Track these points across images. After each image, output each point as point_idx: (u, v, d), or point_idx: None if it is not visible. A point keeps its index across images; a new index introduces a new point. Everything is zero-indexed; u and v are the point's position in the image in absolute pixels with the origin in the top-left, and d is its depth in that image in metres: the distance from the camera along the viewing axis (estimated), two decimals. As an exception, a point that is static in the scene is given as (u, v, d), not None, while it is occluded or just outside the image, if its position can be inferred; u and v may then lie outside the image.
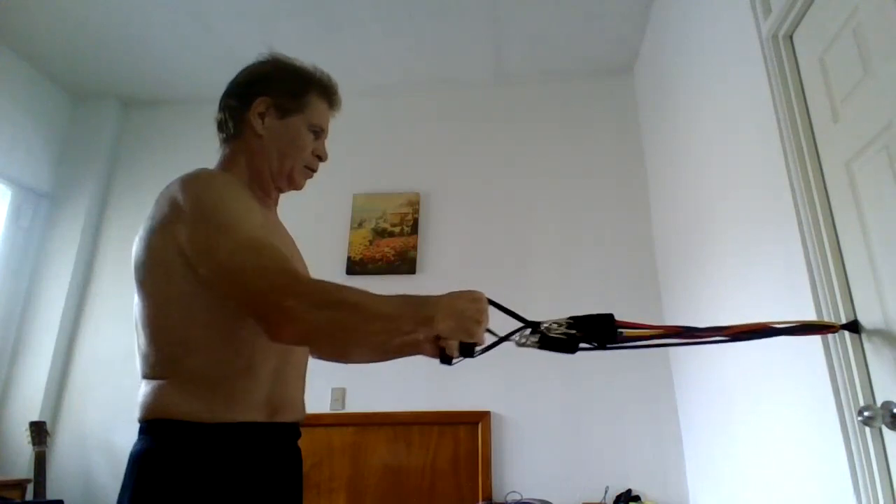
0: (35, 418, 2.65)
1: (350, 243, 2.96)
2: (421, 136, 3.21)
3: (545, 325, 1.00)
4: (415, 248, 2.92)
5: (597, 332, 0.99)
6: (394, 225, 2.98)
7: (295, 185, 1.15)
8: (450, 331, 0.89)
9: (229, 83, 1.15)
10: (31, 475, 2.48)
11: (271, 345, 0.97)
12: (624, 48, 3.01)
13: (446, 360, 1.09)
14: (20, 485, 2.53)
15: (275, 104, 1.09)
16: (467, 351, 0.94)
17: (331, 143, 1.21)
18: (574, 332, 0.98)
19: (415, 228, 2.97)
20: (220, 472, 0.88)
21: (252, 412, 0.93)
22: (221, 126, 1.12)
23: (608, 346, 1.01)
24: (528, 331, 1.02)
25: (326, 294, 0.87)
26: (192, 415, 0.88)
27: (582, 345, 1.01)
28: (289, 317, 0.84)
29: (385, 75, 3.21)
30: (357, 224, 3.01)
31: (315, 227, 2.96)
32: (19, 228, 3.02)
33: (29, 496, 2.48)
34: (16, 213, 3.02)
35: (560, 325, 0.99)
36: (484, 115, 3.22)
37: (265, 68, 1.14)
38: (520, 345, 1.02)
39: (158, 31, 2.86)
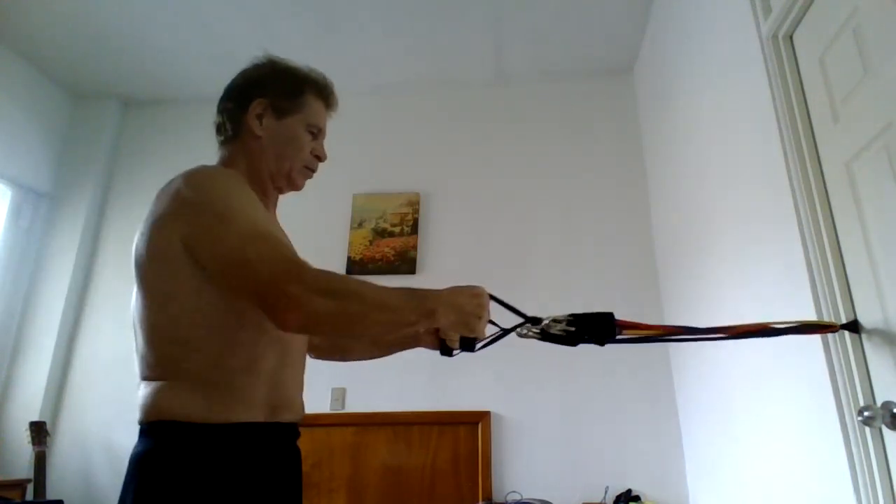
0: (35, 418, 2.66)
1: (350, 243, 2.96)
2: (421, 136, 3.21)
3: (546, 321, 1.01)
4: (415, 248, 2.92)
5: (596, 330, 1.00)
6: (394, 225, 2.98)
7: (294, 185, 1.15)
8: (451, 325, 0.92)
9: (226, 87, 1.16)
10: (31, 475, 2.48)
11: (270, 345, 0.97)
12: (624, 48, 3.01)
13: (447, 352, 1.09)
14: (20, 485, 2.53)
15: (272, 105, 1.10)
16: (468, 345, 0.96)
17: (331, 143, 1.21)
18: (573, 329, 0.99)
19: (415, 228, 2.97)
20: (220, 472, 0.88)
21: (251, 412, 0.93)
22: (220, 129, 1.13)
23: (607, 342, 1.02)
24: (528, 329, 1.03)
25: (331, 282, 0.88)
26: (192, 416, 0.88)
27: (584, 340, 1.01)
28: (294, 303, 0.84)
29: (385, 75, 3.21)
30: (357, 224, 3.01)
31: (315, 227, 2.96)
32: (19, 228, 3.02)
33: (29, 496, 2.48)
34: (16, 213, 3.02)
35: (559, 322, 1.00)
36: (484, 115, 3.22)
37: (261, 70, 1.15)
38: (521, 336, 1.04)
39: (158, 31, 2.86)
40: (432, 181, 3.08)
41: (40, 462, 2.46)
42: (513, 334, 1.05)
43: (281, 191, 1.16)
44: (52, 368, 2.83)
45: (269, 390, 0.97)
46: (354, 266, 2.90)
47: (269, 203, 1.14)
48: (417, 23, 2.84)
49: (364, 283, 0.90)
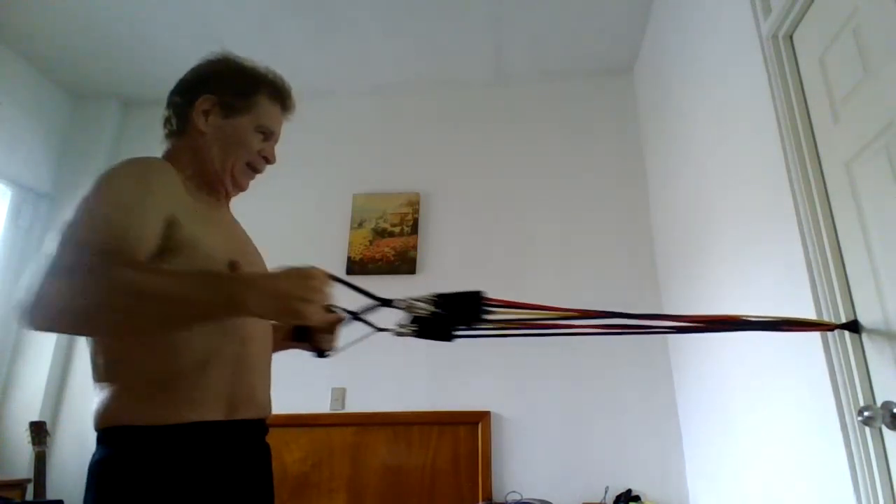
0: (35, 418, 2.65)
1: (350, 243, 2.96)
2: (421, 136, 3.21)
3: (406, 302, 0.94)
4: (415, 248, 2.92)
5: (464, 310, 0.93)
6: (394, 225, 2.98)
7: (237, 184, 1.13)
8: (271, 312, 0.81)
9: (177, 81, 1.14)
10: (31, 475, 2.48)
11: (228, 339, 0.95)
12: (624, 48, 3.01)
13: (319, 351, 1.03)
14: (20, 485, 2.53)
15: (220, 103, 1.09)
16: (301, 334, 0.86)
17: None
18: (438, 310, 0.93)
19: (415, 228, 2.96)
20: (176, 474, 0.86)
21: (206, 411, 0.91)
22: (166, 122, 1.12)
23: (482, 329, 0.95)
24: (409, 318, 0.96)
25: (92, 272, 0.79)
26: (143, 419, 0.87)
27: (459, 332, 0.95)
28: (27, 308, 0.77)
29: (385, 75, 3.21)
30: (357, 224, 3.00)
31: (315, 227, 2.96)
32: (19, 228, 3.02)
33: (29, 496, 2.48)
34: (16, 213, 3.02)
35: (420, 301, 0.94)
36: (484, 115, 3.22)
37: (213, 67, 1.13)
38: (399, 334, 0.97)
39: (159, 31, 2.86)
40: (432, 181, 3.08)
41: (40, 462, 2.46)
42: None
43: (228, 191, 1.14)
44: (52, 368, 2.83)
45: (228, 386, 0.94)
46: (354, 266, 2.90)
47: (216, 200, 1.12)
48: (417, 23, 2.84)
49: (144, 271, 0.81)
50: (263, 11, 2.75)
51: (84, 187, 0.90)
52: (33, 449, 2.50)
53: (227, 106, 1.09)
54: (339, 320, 1.11)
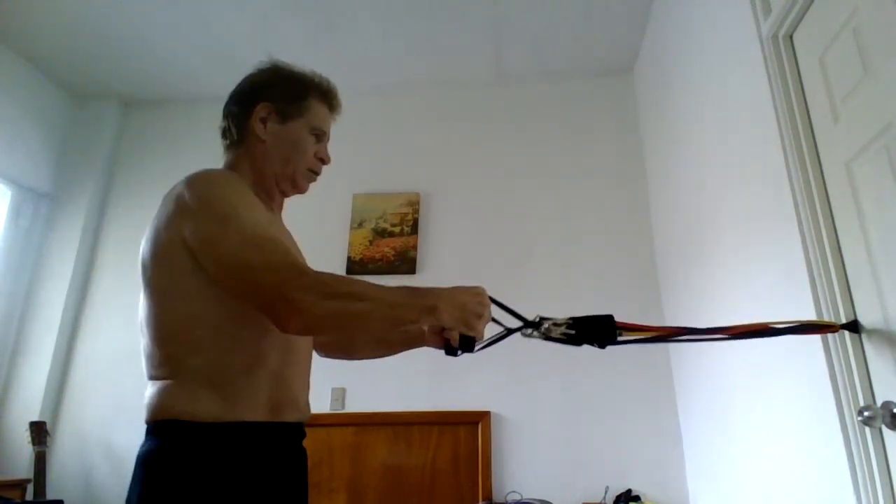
0: (35, 418, 2.66)
1: (350, 243, 2.96)
2: (421, 136, 3.21)
3: (545, 325, 1.01)
4: (415, 248, 2.92)
5: (597, 333, 1.01)
6: (394, 225, 2.98)
7: (298, 188, 1.16)
8: (452, 321, 0.92)
9: (231, 92, 1.17)
10: (31, 475, 2.48)
11: (273, 345, 0.98)
12: (624, 48, 3.01)
13: (451, 351, 1.10)
14: (20, 485, 2.53)
15: (276, 109, 1.11)
16: (467, 344, 0.96)
17: (331, 143, 1.22)
18: (573, 332, 1.00)
19: (415, 228, 2.97)
20: (224, 471, 0.89)
21: (255, 412, 0.94)
22: (225, 133, 1.14)
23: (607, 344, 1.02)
24: (530, 329, 1.03)
25: (331, 286, 0.89)
26: (197, 415, 0.89)
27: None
28: (294, 308, 0.86)
29: (385, 75, 3.21)
30: (357, 224, 3.01)
31: (315, 227, 2.96)
32: (19, 228, 3.02)
33: (29, 496, 2.48)
34: (16, 213, 3.02)
35: (559, 325, 1.00)
36: (484, 115, 3.22)
37: (265, 75, 1.16)
38: (525, 335, 1.04)
39: (158, 31, 2.86)
40: (432, 181, 3.08)
41: (40, 462, 2.46)
42: (511, 342, 1.06)
43: (286, 194, 1.17)
44: (52, 368, 2.83)
45: (273, 390, 0.97)
46: (354, 266, 2.90)
47: (275, 207, 1.16)
48: (417, 23, 2.84)
49: (365, 283, 0.91)
50: (263, 11, 2.75)
51: (184, 209, 0.94)
52: (33, 449, 2.50)
53: (282, 112, 1.12)
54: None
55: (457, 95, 3.28)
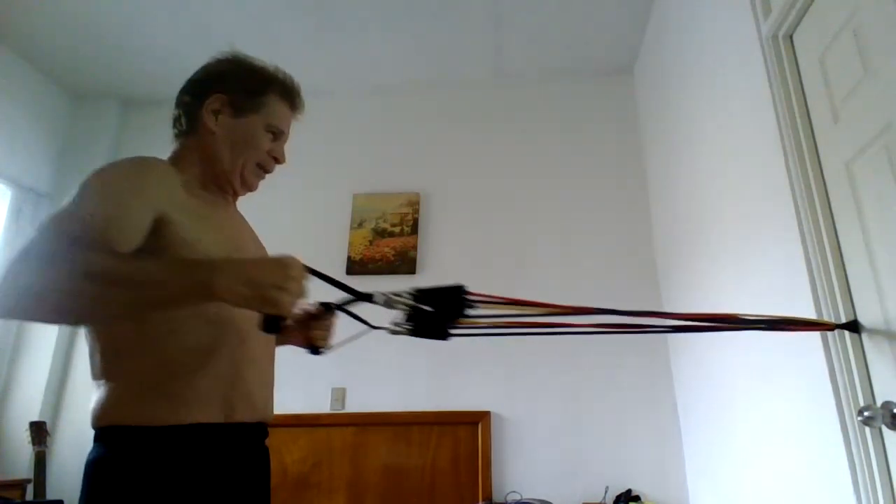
0: (35, 418, 2.65)
1: (350, 243, 2.96)
2: (421, 136, 3.21)
3: (385, 296, 0.91)
4: (415, 248, 2.92)
5: (445, 305, 0.91)
6: (394, 225, 2.98)
7: (248, 185, 1.12)
8: (242, 299, 0.78)
9: (187, 80, 1.13)
10: (31, 475, 2.48)
11: (224, 342, 0.94)
12: (624, 48, 3.01)
13: (314, 350, 1.04)
14: (20, 485, 2.53)
15: (230, 102, 1.08)
16: (272, 325, 0.82)
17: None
18: (417, 304, 0.91)
19: (415, 228, 2.96)
20: (172, 477, 0.86)
21: (204, 413, 0.90)
22: (175, 122, 1.11)
23: (460, 328, 0.92)
24: (404, 317, 0.93)
25: (60, 263, 0.79)
26: (140, 419, 0.86)
27: (455, 331, 0.93)
28: None
29: (385, 75, 3.21)
30: (357, 224, 3.00)
31: (315, 227, 2.96)
32: (19, 228, 3.02)
33: (29, 496, 2.48)
34: (16, 213, 3.02)
35: (399, 296, 0.91)
36: (484, 115, 3.22)
37: (223, 66, 1.13)
38: (393, 332, 0.95)
39: (158, 30, 2.86)
40: (432, 181, 3.08)
41: (40, 462, 2.46)
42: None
43: (236, 193, 1.13)
44: (52, 368, 2.83)
45: (226, 390, 0.93)
46: (354, 266, 2.90)
47: (223, 199, 1.11)
48: (417, 23, 2.84)
49: (112, 257, 0.81)
50: (263, 11, 2.75)
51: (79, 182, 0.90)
52: (33, 449, 2.49)
53: (237, 105, 1.08)
54: (318, 314, 1.11)
55: (457, 95, 3.28)
